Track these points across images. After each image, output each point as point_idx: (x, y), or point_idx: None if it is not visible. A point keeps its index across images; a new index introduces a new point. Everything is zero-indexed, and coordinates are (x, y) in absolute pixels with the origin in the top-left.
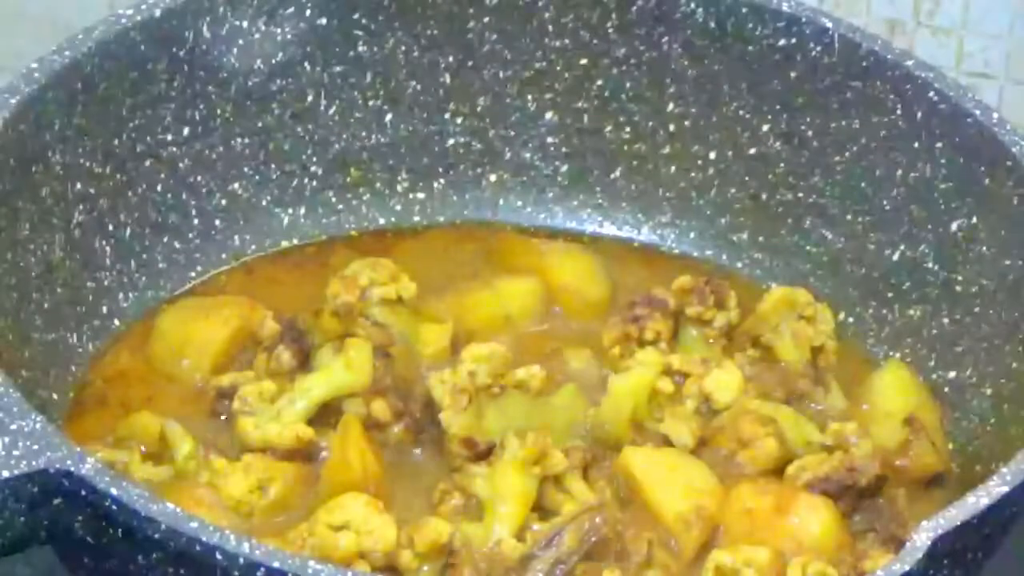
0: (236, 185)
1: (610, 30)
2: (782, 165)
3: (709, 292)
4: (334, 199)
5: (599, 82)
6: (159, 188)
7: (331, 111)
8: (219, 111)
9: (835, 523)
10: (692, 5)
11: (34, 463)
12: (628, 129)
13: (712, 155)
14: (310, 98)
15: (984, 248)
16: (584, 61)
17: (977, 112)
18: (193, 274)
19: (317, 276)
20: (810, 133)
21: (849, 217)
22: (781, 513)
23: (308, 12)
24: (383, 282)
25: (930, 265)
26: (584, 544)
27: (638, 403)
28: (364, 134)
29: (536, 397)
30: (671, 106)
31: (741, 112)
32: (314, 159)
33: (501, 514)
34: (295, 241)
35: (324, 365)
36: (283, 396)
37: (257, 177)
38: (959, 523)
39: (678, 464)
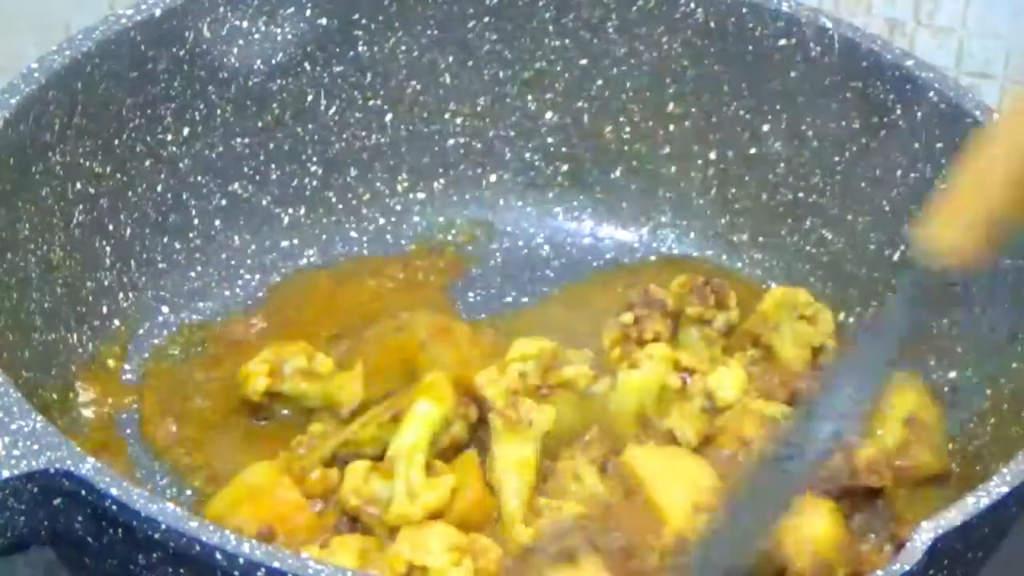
0: (236, 185)
1: (610, 30)
2: (782, 165)
3: (709, 292)
4: (334, 199)
5: (599, 82)
6: (159, 188)
7: (331, 111)
8: (219, 111)
9: (835, 523)
10: (692, 5)
11: (34, 463)
12: (628, 129)
13: (712, 155)
14: (310, 98)
15: None
16: (584, 61)
17: (977, 112)
18: (193, 274)
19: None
20: (810, 133)
21: (849, 217)
22: None
23: (308, 12)
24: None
25: None
26: (589, 541)
27: (646, 399)
28: (364, 134)
29: (583, 395)
30: (671, 106)
31: (741, 112)
32: (314, 159)
33: (511, 488)
34: (295, 241)
35: (408, 412)
36: (394, 467)
37: (257, 177)
38: (959, 523)
39: (680, 462)
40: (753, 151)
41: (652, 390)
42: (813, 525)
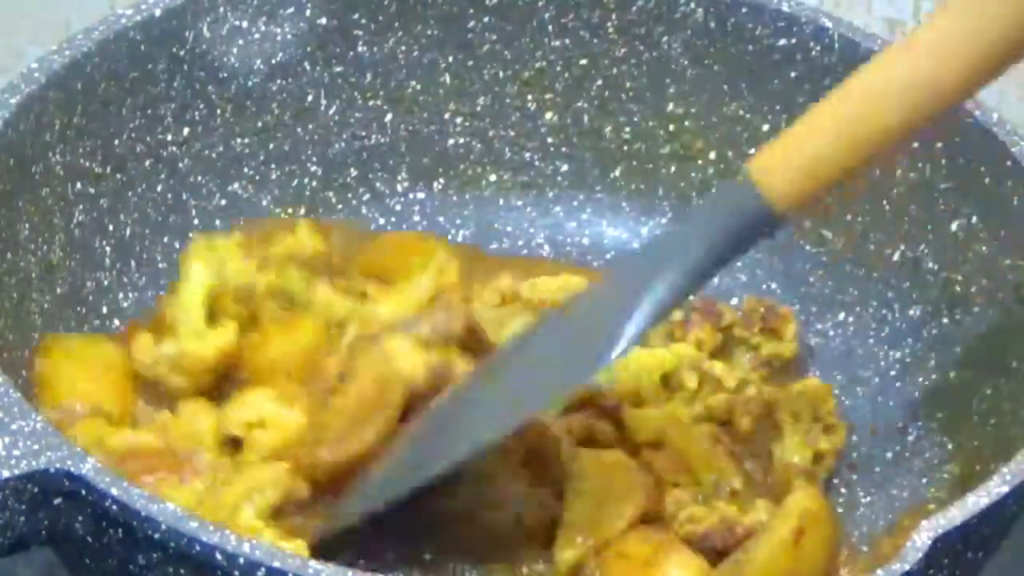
0: (236, 185)
1: (610, 30)
2: None
3: (757, 318)
4: (334, 199)
5: (599, 82)
6: (159, 188)
7: (331, 111)
8: (219, 111)
9: None
10: (692, 5)
11: (34, 463)
12: (628, 129)
13: (712, 155)
14: (310, 98)
15: (984, 248)
16: (584, 61)
17: (977, 112)
18: None
19: None
20: None
21: (849, 217)
22: (649, 565)
23: (308, 12)
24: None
25: (930, 265)
26: (437, 332)
27: (645, 379)
28: (364, 134)
29: None
30: (671, 106)
31: (741, 112)
32: (314, 159)
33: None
34: None
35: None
36: (176, 324)
37: (257, 177)
38: (959, 523)
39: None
40: (753, 151)
41: (653, 372)
42: None
